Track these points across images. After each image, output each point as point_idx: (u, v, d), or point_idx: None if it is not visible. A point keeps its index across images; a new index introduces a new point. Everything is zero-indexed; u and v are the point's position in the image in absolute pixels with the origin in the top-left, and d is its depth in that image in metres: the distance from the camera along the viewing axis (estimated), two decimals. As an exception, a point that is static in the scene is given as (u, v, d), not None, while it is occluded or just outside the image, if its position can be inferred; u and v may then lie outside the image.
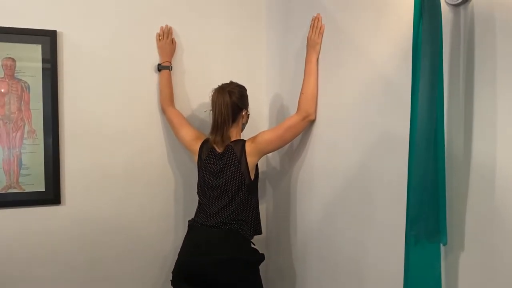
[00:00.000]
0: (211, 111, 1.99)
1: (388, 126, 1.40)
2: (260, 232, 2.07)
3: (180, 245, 1.98)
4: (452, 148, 1.12)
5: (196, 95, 2.26)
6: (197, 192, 2.05)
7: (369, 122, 1.51)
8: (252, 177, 1.98)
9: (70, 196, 2.06)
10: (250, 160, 1.96)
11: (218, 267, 1.84)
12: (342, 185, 1.67)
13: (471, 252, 1.09)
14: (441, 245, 1.10)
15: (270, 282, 2.34)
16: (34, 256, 2.01)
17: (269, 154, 2.39)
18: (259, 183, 2.29)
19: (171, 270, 1.95)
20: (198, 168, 2.05)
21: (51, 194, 2.01)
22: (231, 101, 1.94)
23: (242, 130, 2.07)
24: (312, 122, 1.89)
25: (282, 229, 2.23)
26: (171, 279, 1.94)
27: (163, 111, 2.20)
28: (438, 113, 1.08)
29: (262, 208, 2.42)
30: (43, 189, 2.00)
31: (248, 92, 2.05)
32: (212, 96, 1.97)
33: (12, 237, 1.98)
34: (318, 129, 1.86)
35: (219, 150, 1.97)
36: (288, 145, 2.13)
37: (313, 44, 1.85)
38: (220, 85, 1.99)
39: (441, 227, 1.07)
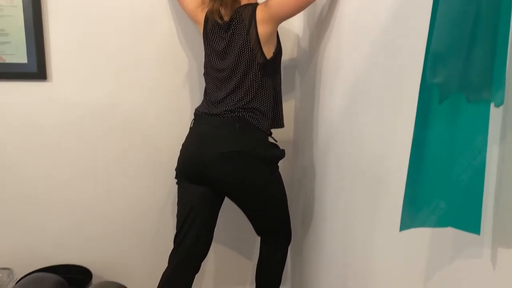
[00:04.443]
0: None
1: None
2: (280, 125, 1.66)
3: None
4: None
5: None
6: (204, 74, 1.66)
7: None
8: (269, 54, 1.53)
9: (58, 72, 1.78)
10: (262, 30, 1.50)
11: (221, 161, 1.50)
12: (368, 52, 1.15)
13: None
14: (492, 105, 0.59)
15: (296, 182, 1.97)
16: (18, 136, 1.80)
17: (300, 33, 1.89)
18: (286, 74, 1.85)
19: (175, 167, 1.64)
20: (204, 43, 1.64)
21: (34, 67, 1.74)
22: None
23: None
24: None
25: (307, 124, 1.78)
26: (175, 177, 1.64)
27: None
28: None
29: (290, 104, 1.98)
30: (25, 61, 1.74)
31: None
32: None
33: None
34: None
35: (225, 18, 1.53)
36: (314, 12, 1.62)
37: None
38: None
39: (495, 74, 0.56)
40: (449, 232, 0.71)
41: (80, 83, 1.80)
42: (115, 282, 1.24)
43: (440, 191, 0.65)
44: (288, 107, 1.96)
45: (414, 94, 0.86)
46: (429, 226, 0.67)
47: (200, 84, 1.87)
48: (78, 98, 1.81)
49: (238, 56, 1.52)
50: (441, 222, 0.66)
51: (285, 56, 1.90)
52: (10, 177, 1.83)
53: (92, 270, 1.88)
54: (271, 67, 1.57)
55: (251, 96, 1.54)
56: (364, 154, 1.17)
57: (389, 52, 1.03)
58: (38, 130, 1.81)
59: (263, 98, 1.56)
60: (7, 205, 1.84)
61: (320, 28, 1.60)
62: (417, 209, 0.66)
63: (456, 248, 0.72)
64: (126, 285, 1.41)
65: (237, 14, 1.51)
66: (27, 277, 1.19)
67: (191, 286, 1.63)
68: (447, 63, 0.57)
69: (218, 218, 1.67)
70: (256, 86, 1.53)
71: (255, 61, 1.51)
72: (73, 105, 1.81)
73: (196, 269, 1.63)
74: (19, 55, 1.73)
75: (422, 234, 0.83)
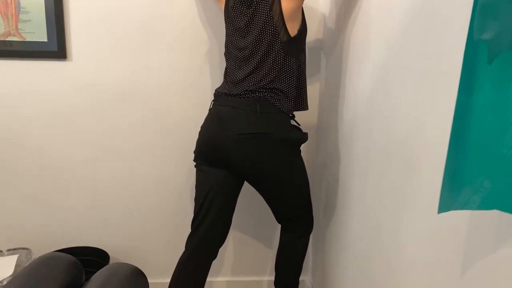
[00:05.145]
0: None
1: None
2: (303, 107, 1.60)
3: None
4: None
5: None
6: (224, 54, 1.60)
7: None
8: (293, 32, 1.46)
9: (78, 51, 1.75)
10: (287, 5, 1.42)
11: (240, 143, 1.44)
12: (402, 21, 1.06)
13: None
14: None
15: (319, 167, 1.89)
16: (37, 115, 1.79)
17: (326, 12, 1.80)
18: (311, 56, 1.77)
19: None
20: (225, 21, 1.58)
21: (54, 46, 1.72)
22: None
23: None
24: None
25: (332, 107, 1.70)
26: (194, 159, 1.60)
27: None
28: None
29: (315, 87, 1.90)
30: (46, 40, 1.71)
31: None
32: None
33: (13, 91, 1.76)
34: None
35: (248, -7, 1.47)
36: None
37: None
38: None
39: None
40: (493, 215, 0.63)
41: (100, 63, 1.77)
42: (129, 264, 1.19)
43: (485, 168, 0.56)
44: (313, 90, 1.88)
45: (457, 62, 0.78)
46: (471, 208, 0.58)
47: (221, 65, 1.81)
48: (98, 78, 1.78)
49: (260, 33, 1.45)
50: (484, 204, 0.58)
51: (310, 37, 1.82)
52: (29, 158, 1.82)
53: (110, 253, 1.86)
54: (295, 46, 1.50)
55: (273, 75, 1.47)
56: (395, 135, 1.08)
57: (426, 14, 0.93)
58: (58, 110, 1.79)
59: (285, 78, 1.49)
60: (27, 186, 1.84)
61: (347, 4, 1.51)
62: (458, 189, 0.58)
63: (500, 234, 0.63)
64: (142, 269, 1.38)
65: (260, -12, 1.44)
66: (40, 256, 1.16)
67: (207, 273, 1.58)
68: (498, 16, 0.49)
69: (237, 204, 1.62)
70: (278, 65, 1.46)
71: (278, 39, 1.44)
72: (92, 85, 1.78)
73: (213, 255, 1.58)
74: (39, 33, 1.70)
75: (460, 219, 0.74)
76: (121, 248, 1.93)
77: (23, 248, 1.74)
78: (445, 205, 0.59)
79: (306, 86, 1.60)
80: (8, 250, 1.73)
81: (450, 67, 0.81)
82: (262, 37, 1.45)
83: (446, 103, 0.83)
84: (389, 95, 1.13)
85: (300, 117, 1.61)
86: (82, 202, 1.89)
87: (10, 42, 1.70)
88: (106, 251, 1.86)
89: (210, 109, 1.58)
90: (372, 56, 1.26)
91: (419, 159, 0.94)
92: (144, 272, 1.18)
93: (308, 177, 1.60)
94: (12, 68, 1.73)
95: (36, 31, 1.70)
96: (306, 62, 1.58)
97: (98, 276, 1.16)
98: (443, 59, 0.85)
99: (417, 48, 0.97)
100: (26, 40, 1.70)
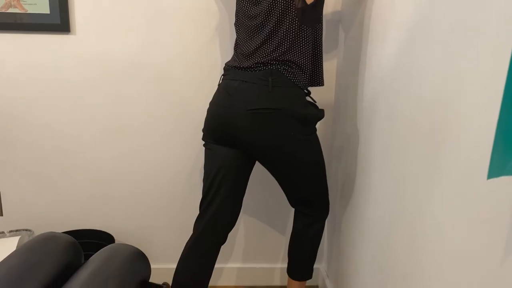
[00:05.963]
0: None
1: None
2: (319, 83, 1.49)
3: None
4: None
5: None
6: (234, 24, 1.49)
7: None
8: (309, -1, 1.34)
9: (82, 24, 1.66)
10: (302, -32, 1.30)
11: (251, 119, 1.33)
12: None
13: None
14: None
15: (335, 149, 1.79)
16: (40, 91, 1.71)
17: (344, -19, 1.68)
18: (329, 29, 1.66)
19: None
20: (236, -12, 1.47)
21: (57, 19, 1.63)
22: None
23: None
24: None
25: (351, 83, 1.58)
26: (202, 138, 1.50)
27: None
28: None
29: (332, 63, 1.78)
30: (48, 11, 1.63)
31: None
32: None
33: (13, 66, 1.68)
34: None
35: (260, -47, 1.36)
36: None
37: None
38: None
39: None
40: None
41: (105, 37, 1.68)
42: (129, 245, 1.11)
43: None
44: (330, 67, 1.77)
45: (503, 14, 0.66)
46: (527, 173, 0.47)
47: (232, 37, 1.70)
48: (102, 52, 1.69)
49: (273, 1, 1.33)
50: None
51: (327, 9, 1.71)
52: (31, 135, 1.75)
53: (115, 236, 1.79)
54: (311, 14, 1.37)
55: (287, 46, 1.35)
56: (424, 102, 0.97)
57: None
58: (60, 86, 1.71)
59: (300, 49, 1.37)
60: (31, 165, 1.77)
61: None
62: (511, 150, 0.47)
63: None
64: (148, 253, 1.31)
65: None
66: (38, 235, 1.09)
67: (215, 258, 1.49)
68: None
69: (249, 187, 1.52)
70: (292, 35, 1.35)
71: (292, 5, 1.33)
72: (97, 60, 1.70)
73: (222, 239, 1.49)
74: (41, 5, 1.62)
75: (505, 193, 0.63)
76: (127, 231, 1.86)
77: (25, 230, 1.68)
78: (495, 170, 0.48)
79: (322, 59, 1.48)
80: (10, 231, 1.67)
81: (494, 20, 0.69)
82: (275, 3, 1.33)
83: (486, 63, 0.71)
84: (418, 60, 1.01)
85: (315, 94, 1.50)
86: (87, 182, 1.81)
87: (20, 16, 1.61)
88: (112, 234, 1.79)
89: (219, 84, 1.48)
90: (398, 20, 1.14)
91: (452, 130, 0.83)
92: (151, 257, 1.10)
93: (324, 159, 1.49)
94: (13, 42, 1.66)
95: (38, 2, 1.62)
96: (323, 36, 1.46)
97: (97, 256, 1.09)
98: (482, 13, 0.72)
99: (452, 3, 0.84)
100: (27, 12, 1.62)
